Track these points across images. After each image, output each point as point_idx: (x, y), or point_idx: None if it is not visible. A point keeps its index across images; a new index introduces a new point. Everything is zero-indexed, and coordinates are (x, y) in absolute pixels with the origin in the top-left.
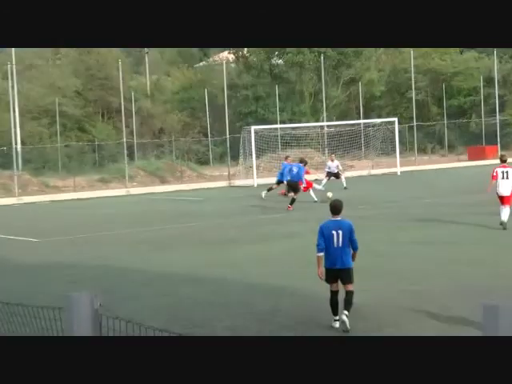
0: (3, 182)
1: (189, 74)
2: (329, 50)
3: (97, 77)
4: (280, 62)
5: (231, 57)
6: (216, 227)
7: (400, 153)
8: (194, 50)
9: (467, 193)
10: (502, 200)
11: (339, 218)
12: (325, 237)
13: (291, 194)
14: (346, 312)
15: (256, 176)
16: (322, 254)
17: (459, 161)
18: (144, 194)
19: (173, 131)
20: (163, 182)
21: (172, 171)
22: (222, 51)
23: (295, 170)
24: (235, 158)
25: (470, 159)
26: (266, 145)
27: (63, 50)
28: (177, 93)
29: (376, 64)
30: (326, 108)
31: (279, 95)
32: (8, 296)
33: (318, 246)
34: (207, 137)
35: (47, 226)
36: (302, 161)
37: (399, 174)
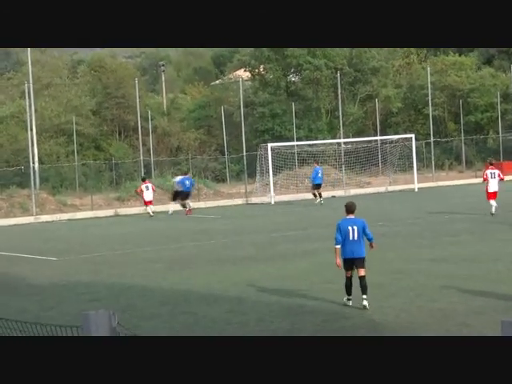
0: (21, 200)
1: (205, 91)
2: (345, 67)
3: (113, 95)
4: (296, 79)
5: (247, 74)
6: (233, 245)
7: (417, 169)
8: (210, 67)
9: (485, 209)
10: (494, 195)
11: (353, 217)
12: (341, 232)
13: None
14: (364, 296)
15: (273, 193)
16: (338, 246)
17: (477, 177)
18: (161, 211)
19: (189, 149)
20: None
21: None
22: (238, 69)
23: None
24: (252, 175)
25: None
26: (282, 162)
27: (80, 69)
28: (193, 111)
29: (392, 81)
30: (343, 125)
31: (296, 112)
32: (25, 315)
33: (335, 239)
34: (224, 154)
35: (65, 245)
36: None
37: (416, 190)
